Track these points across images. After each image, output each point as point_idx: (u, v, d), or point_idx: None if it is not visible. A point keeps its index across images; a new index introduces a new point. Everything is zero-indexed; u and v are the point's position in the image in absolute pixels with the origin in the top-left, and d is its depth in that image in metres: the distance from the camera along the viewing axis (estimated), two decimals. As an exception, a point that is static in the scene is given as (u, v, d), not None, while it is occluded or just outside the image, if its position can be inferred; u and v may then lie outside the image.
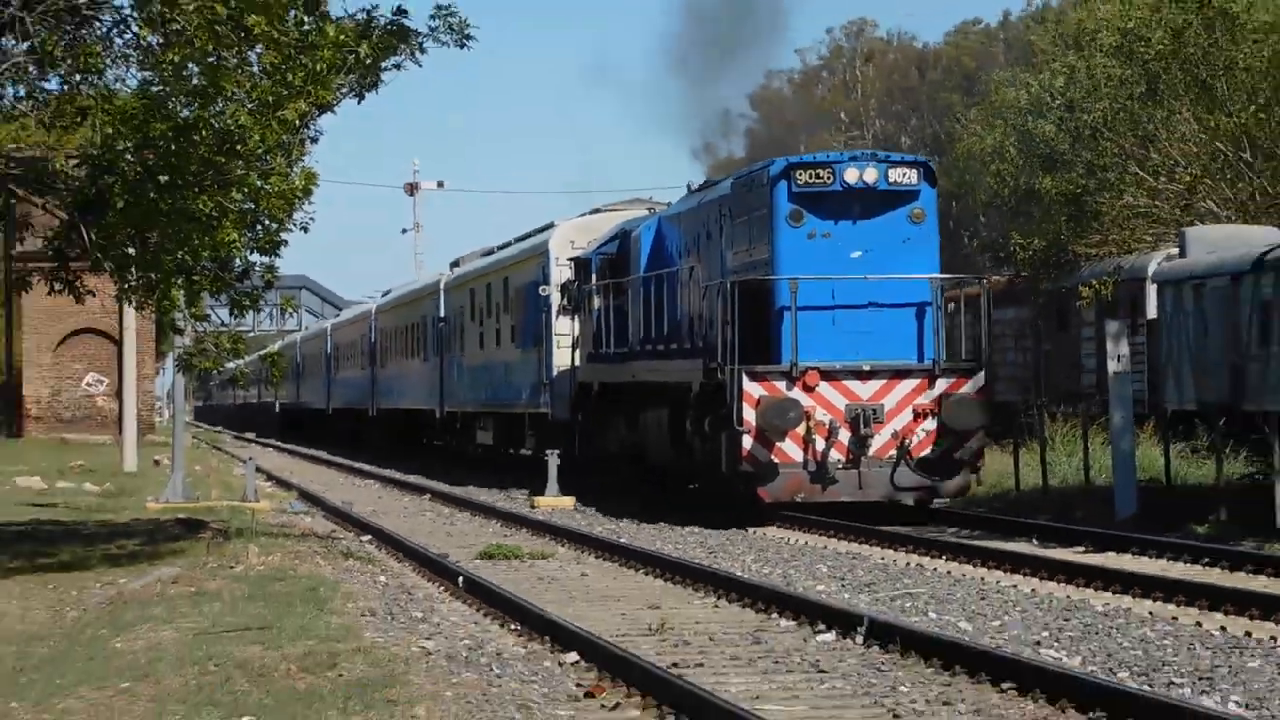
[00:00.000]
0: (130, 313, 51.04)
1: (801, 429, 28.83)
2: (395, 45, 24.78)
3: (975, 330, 34.73)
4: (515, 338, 45.72)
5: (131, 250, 25.64)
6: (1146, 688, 14.51)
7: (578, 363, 40.02)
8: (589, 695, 14.86)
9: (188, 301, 28.52)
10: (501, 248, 50.64)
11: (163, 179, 23.89)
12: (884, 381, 29.39)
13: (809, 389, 28.98)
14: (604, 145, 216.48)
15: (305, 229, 27.05)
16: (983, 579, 22.87)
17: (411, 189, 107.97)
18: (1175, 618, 18.86)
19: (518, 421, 46.30)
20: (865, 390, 29.30)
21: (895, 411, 29.25)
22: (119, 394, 63.13)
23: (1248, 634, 17.53)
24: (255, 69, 23.47)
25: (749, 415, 28.75)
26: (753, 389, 28.92)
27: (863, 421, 28.96)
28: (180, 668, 15.60)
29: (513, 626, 19.22)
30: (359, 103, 25.43)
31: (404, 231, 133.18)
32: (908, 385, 29.38)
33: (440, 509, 38.78)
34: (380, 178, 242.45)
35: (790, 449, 28.96)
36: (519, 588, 21.96)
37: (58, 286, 28.35)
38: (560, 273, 41.74)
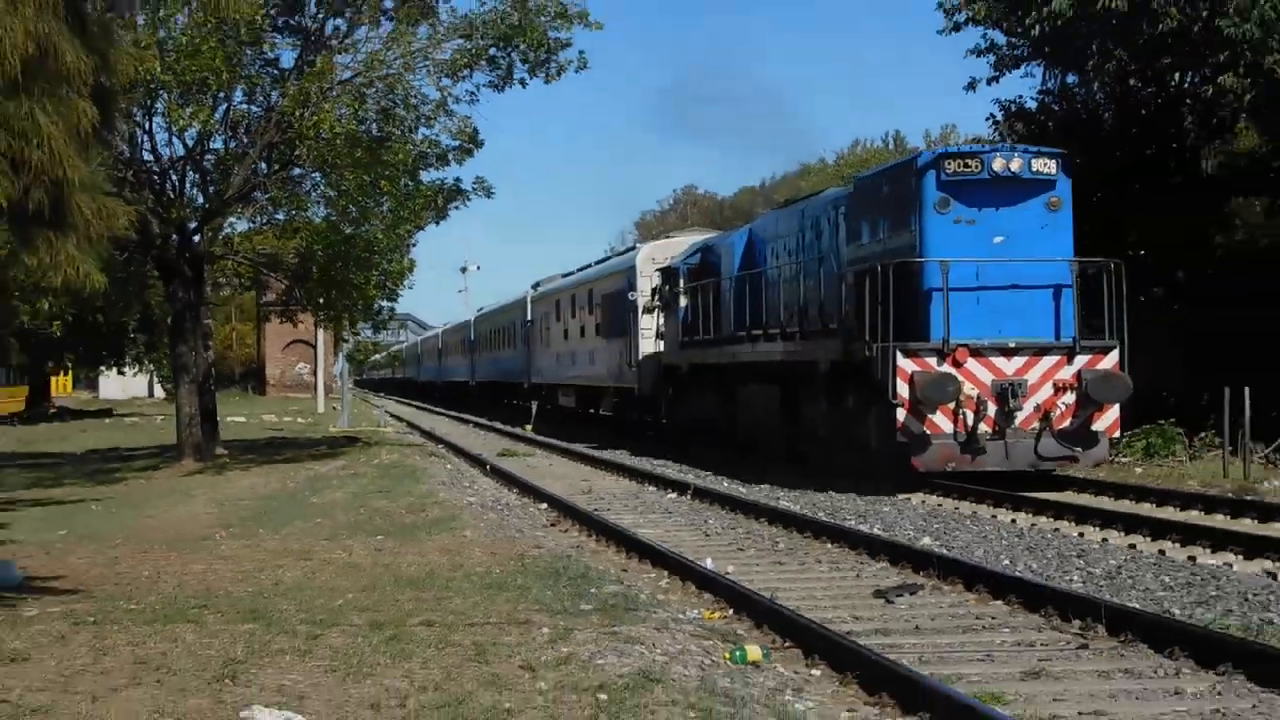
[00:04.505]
0: (321, 332, 50.85)
1: (952, 403, 17.40)
2: (455, 196, 25.09)
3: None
4: (599, 331, 33.36)
5: (322, 300, 25.81)
6: (885, 531, 14.11)
7: (661, 349, 28.06)
8: (552, 525, 14.79)
9: (350, 325, 28.74)
10: (581, 269, 37.91)
11: (338, 265, 24.15)
12: (1027, 358, 17.80)
13: (958, 365, 17.62)
14: (577, 238, 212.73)
15: (410, 286, 27.27)
16: (763, 468, 21.92)
17: (464, 269, 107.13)
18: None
19: (599, 392, 34.11)
20: (1010, 366, 17.74)
21: (1038, 386, 17.74)
22: (315, 373, 63.13)
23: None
24: (385, 208, 23.84)
25: (903, 389, 17.23)
26: (906, 365, 17.34)
27: (1010, 395, 17.51)
28: (346, 511, 15.57)
29: (514, 490, 19.13)
30: (437, 224, 25.79)
31: (460, 291, 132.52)
32: (1049, 361, 17.82)
33: (479, 431, 38.58)
34: (450, 259, 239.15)
35: (941, 421, 17.37)
36: (518, 470, 21.76)
37: (284, 319, 28.51)
38: (644, 282, 29.57)
